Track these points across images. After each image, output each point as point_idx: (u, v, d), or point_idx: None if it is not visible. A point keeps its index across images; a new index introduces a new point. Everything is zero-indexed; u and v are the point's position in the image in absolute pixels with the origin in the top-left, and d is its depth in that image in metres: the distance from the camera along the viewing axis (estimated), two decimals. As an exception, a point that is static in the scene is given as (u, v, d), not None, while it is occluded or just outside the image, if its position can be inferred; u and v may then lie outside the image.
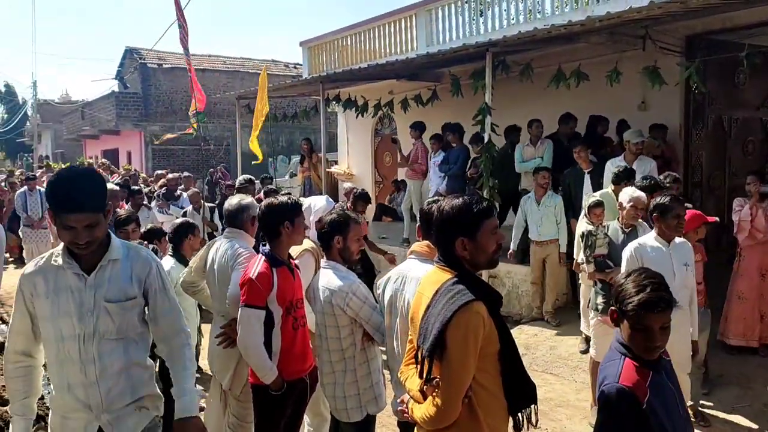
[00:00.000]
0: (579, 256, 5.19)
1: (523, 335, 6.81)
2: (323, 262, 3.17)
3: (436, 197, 3.01)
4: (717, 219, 4.89)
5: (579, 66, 6.99)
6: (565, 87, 7.12)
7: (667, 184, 5.21)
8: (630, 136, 6.48)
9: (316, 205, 4.36)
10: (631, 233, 4.80)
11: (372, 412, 3.10)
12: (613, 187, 5.60)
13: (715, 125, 8.08)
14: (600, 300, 4.81)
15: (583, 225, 5.13)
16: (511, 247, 7.12)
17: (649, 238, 4.06)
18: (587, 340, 5.79)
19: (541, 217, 6.83)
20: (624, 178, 5.48)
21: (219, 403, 3.77)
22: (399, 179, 11.54)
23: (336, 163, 14.03)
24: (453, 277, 2.22)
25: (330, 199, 4.61)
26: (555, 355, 6.22)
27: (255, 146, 9.17)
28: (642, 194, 4.65)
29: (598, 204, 5.10)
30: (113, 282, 2.34)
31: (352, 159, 13.50)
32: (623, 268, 3.99)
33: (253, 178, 7.74)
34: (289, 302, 3.11)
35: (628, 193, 4.67)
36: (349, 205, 6.28)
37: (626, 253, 4.06)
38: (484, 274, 7.39)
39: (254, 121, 9.28)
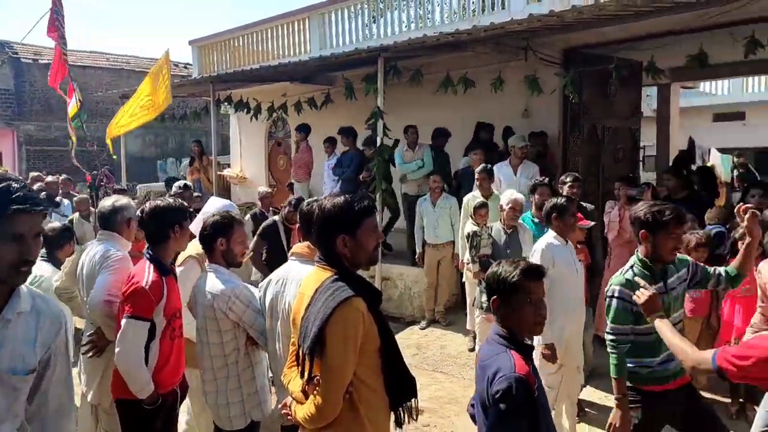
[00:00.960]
0: (464, 255, 5.36)
1: (414, 336, 6.93)
2: (206, 265, 3.05)
3: (316, 198, 2.99)
4: (592, 223, 5.20)
5: (466, 73, 7.24)
6: (454, 93, 7.35)
7: (569, 182, 5.44)
8: (515, 141, 6.79)
9: (214, 207, 4.14)
10: (512, 234, 5.03)
11: (256, 418, 3.02)
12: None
13: (590, 133, 8.61)
14: (484, 298, 4.99)
15: (468, 226, 5.30)
16: (417, 249, 7.18)
17: (550, 237, 4.19)
18: (475, 338, 5.98)
19: (436, 219, 6.96)
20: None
21: (90, 418, 3.52)
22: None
23: (228, 166, 13.66)
24: (333, 275, 2.21)
25: (232, 204, 4.40)
26: (445, 353, 6.37)
27: (120, 131, 8.62)
28: (520, 196, 4.88)
29: (483, 205, 5.29)
30: (14, 344, 1.77)
31: (245, 162, 13.21)
32: None
33: (189, 184, 6.99)
34: (172, 313, 2.98)
35: (507, 196, 4.89)
36: (286, 211, 5.91)
37: (537, 252, 4.13)
38: (377, 278, 7.46)
39: (132, 102, 8.70)
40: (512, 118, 8.31)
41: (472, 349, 6.13)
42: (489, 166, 6.39)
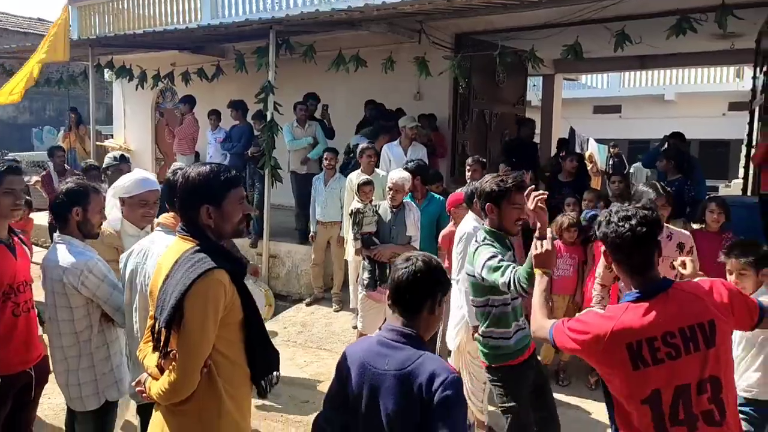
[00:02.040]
0: (348, 233, 5.39)
1: (300, 314, 6.90)
2: (56, 236, 2.84)
3: (181, 166, 2.85)
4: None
5: (358, 52, 7.22)
6: (351, 71, 7.32)
7: (470, 165, 5.63)
8: (405, 122, 6.88)
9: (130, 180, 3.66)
10: (398, 213, 5.10)
11: (112, 398, 2.87)
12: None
13: (479, 118, 8.91)
14: (366, 275, 5.04)
15: (353, 203, 5.31)
16: (311, 228, 7.08)
17: (472, 220, 4.13)
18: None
19: (326, 199, 6.92)
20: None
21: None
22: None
23: (111, 136, 12.88)
24: (194, 246, 2.13)
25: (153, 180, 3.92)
26: (329, 331, 6.40)
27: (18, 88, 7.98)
28: (402, 176, 4.95)
29: (367, 183, 5.30)
30: None
31: (130, 133, 12.50)
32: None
33: (126, 155, 6.14)
34: (7, 285, 2.75)
35: (390, 176, 4.96)
36: None
37: (465, 235, 4.02)
38: (264, 256, 7.34)
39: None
40: (405, 99, 8.42)
41: (356, 327, 6.19)
42: (373, 143, 6.45)
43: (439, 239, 5.13)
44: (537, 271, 2.55)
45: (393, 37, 7.63)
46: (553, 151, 10.35)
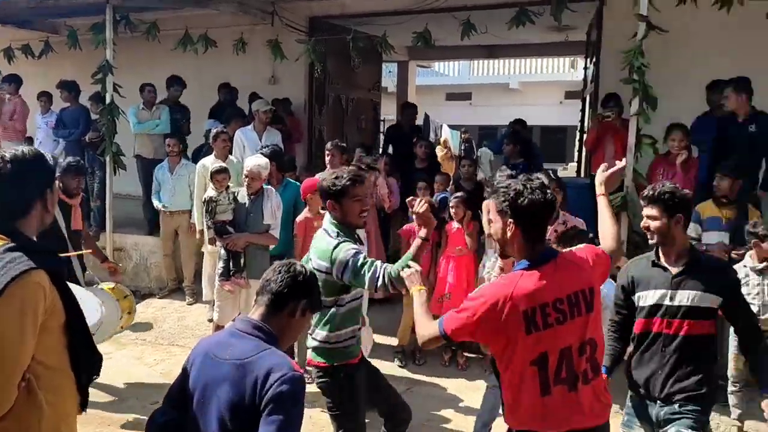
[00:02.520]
0: (200, 222, 5.14)
1: (150, 309, 6.51)
2: None
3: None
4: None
5: (206, 32, 6.87)
6: (195, 52, 6.94)
7: (329, 150, 5.60)
8: (258, 106, 6.68)
9: None
10: (256, 200, 4.94)
11: None
12: None
13: (335, 103, 8.87)
14: (221, 265, 4.84)
15: (207, 191, 5.05)
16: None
17: None
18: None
19: (173, 186, 6.55)
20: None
21: None
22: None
23: None
24: (4, 245, 1.87)
25: None
26: (183, 326, 6.10)
27: None
28: (257, 163, 4.81)
29: (220, 171, 5.07)
30: None
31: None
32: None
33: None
34: None
35: (246, 163, 4.80)
36: None
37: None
38: (109, 249, 6.82)
39: None
40: (259, 83, 8.18)
41: (212, 319, 5.95)
42: (225, 128, 6.21)
43: (295, 226, 5.04)
44: (414, 288, 2.50)
45: (245, 18, 7.36)
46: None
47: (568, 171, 13.79)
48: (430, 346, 2.34)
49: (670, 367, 2.71)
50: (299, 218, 5.00)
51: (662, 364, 2.73)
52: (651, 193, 2.74)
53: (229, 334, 2.00)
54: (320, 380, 2.97)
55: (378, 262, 2.78)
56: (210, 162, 5.71)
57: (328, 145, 5.65)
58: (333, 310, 2.89)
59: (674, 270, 2.75)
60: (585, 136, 7.21)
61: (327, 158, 5.59)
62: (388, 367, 4.98)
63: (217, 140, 5.97)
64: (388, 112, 13.44)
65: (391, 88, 13.75)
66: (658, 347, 2.76)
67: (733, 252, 4.41)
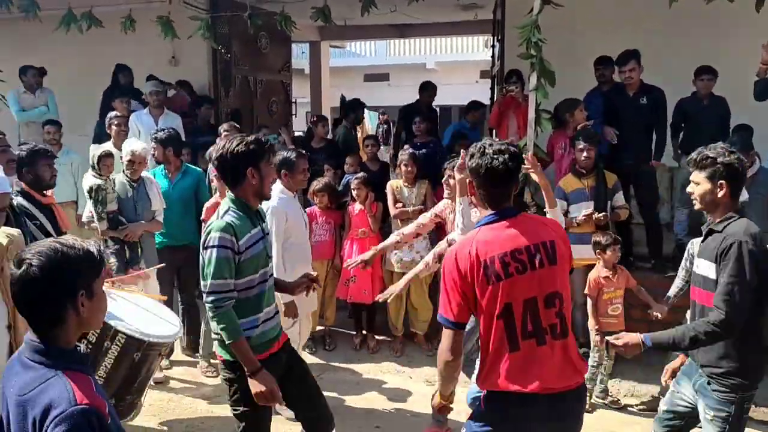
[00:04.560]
0: (85, 213, 4.83)
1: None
2: None
3: None
4: None
5: (91, 9, 6.42)
6: (80, 31, 6.47)
7: (226, 131, 5.30)
8: (149, 87, 6.35)
9: None
10: (139, 187, 4.67)
11: None
12: None
13: (243, 85, 8.56)
14: (113, 261, 4.56)
15: (90, 179, 4.72)
16: None
17: (278, 191, 3.92)
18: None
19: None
20: None
21: None
22: None
23: None
24: None
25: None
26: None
27: None
28: (144, 147, 4.55)
29: (108, 155, 4.75)
30: None
31: None
32: (274, 227, 3.77)
33: None
34: None
35: (127, 147, 4.53)
36: None
37: (271, 209, 3.80)
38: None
39: None
40: (159, 64, 7.77)
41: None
42: (118, 113, 5.87)
43: (203, 212, 4.79)
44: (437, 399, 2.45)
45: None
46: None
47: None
48: (457, 351, 2.21)
49: None
50: (209, 203, 4.75)
51: None
52: (693, 157, 2.59)
53: (17, 360, 1.64)
54: (224, 375, 2.76)
55: (230, 295, 2.55)
56: (95, 147, 5.35)
57: (224, 126, 5.39)
58: (234, 294, 2.62)
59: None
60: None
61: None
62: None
63: (112, 125, 5.63)
64: (303, 94, 13.19)
65: (308, 70, 13.48)
66: (695, 314, 2.70)
67: (595, 217, 4.53)
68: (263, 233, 2.75)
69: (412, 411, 4.36)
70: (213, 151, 2.81)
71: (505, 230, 2.16)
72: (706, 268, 2.58)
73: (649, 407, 4.19)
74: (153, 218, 4.68)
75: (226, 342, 2.56)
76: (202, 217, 4.79)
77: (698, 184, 2.57)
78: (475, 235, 2.19)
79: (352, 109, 7.10)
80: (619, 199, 4.79)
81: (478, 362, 2.26)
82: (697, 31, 6.09)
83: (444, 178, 4.02)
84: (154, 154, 5.07)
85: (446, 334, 2.20)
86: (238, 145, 2.60)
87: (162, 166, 5.13)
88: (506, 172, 2.17)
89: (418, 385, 4.74)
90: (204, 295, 2.58)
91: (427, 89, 7.26)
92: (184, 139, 5.91)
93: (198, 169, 5.42)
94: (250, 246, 2.62)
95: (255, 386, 2.55)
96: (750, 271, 2.42)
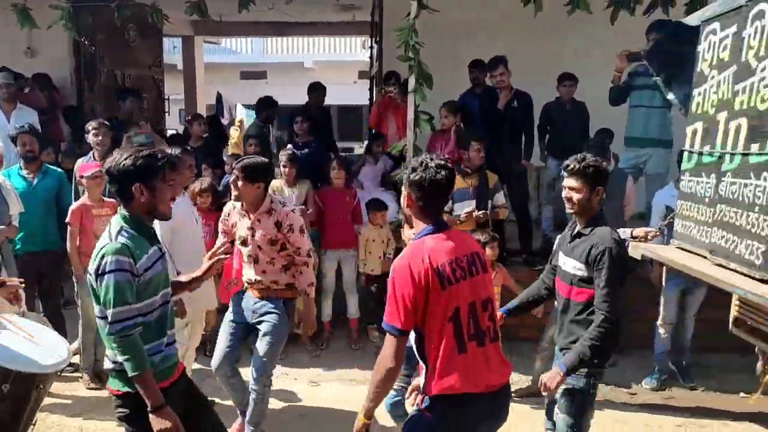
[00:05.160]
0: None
1: None
2: None
3: None
4: None
5: None
6: None
7: (95, 129, 5.01)
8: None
9: None
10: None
11: None
12: None
13: (109, 79, 8.06)
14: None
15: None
16: None
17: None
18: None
19: None
20: None
21: None
22: None
23: None
24: None
25: None
26: None
27: None
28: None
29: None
30: None
31: None
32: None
33: None
34: None
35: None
36: None
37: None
38: None
39: None
40: (14, 55, 7.17)
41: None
42: None
43: (69, 215, 4.45)
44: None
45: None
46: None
47: (363, 149, 14.13)
48: (400, 359, 2.27)
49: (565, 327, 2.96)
50: (74, 206, 4.46)
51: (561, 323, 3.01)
52: (573, 166, 2.81)
53: None
54: (119, 413, 2.49)
55: (136, 321, 2.36)
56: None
57: (93, 123, 5.03)
58: (139, 319, 2.40)
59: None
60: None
61: (93, 138, 4.97)
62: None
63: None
64: (177, 91, 12.64)
65: (181, 66, 12.92)
66: (560, 305, 3.03)
67: (475, 214, 4.76)
68: (161, 252, 2.56)
69: (298, 412, 4.33)
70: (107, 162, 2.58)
71: (445, 240, 2.32)
72: (573, 267, 2.87)
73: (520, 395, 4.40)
74: (10, 223, 4.28)
75: (131, 374, 2.33)
76: (67, 219, 4.48)
77: (578, 190, 2.81)
78: (423, 244, 2.31)
79: (264, 108, 6.91)
80: (500, 198, 5.03)
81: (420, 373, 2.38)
82: (561, 40, 6.55)
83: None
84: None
85: (390, 342, 2.26)
86: (125, 159, 2.41)
87: (18, 165, 4.73)
88: (447, 186, 2.34)
89: (302, 386, 4.72)
90: (107, 327, 2.35)
91: (317, 90, 7.15)
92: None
93: (59, 169, 5.07)
94: (149, 267, 2.43)
95: (158, 423, 2.35)
96: (620, 273, 2.78)
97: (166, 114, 9.35)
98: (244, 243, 3.70)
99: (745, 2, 2.93)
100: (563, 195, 2.90)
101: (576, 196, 2.81)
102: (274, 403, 4.46)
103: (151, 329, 2.46)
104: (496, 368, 2.35)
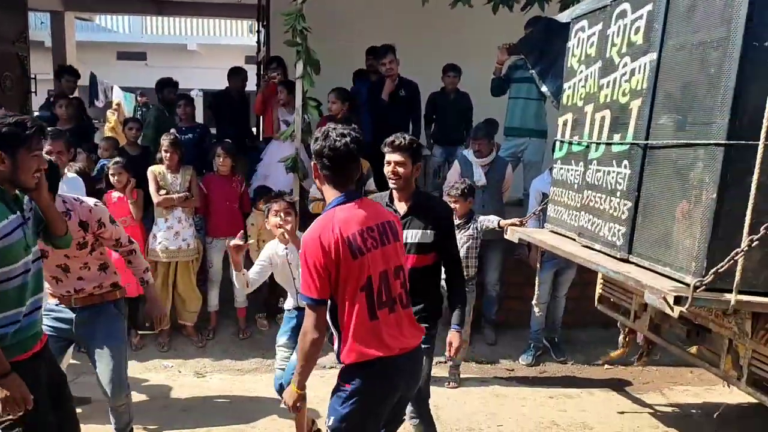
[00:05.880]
0: None
1: None
2: None
3: None
4: None
5: None
6: None
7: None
8: None
9: None
10: None
11: None
12: None
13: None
14: None
15: None
16: None
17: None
18: None
19: None
20: None
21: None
22: None
23: None
24: None
25: None
26: None
27: None
28: None
29: None
30: None
31: None
32: None
33: None
34: None
35: None
36: None
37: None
38: None
39: None
40: None
41: None
42: None
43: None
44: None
45: None
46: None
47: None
48: (322, 329, 2.30)
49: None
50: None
51: None
52: (399, 142, 2.97)
53: None
54: None
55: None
56: None
57: None
58: None
59: (402, 212, 3.04)
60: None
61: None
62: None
63: None
64: (44, 70, 11.68)
65: (49, 43, 11.94)
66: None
67: None
68: (23, 219, 2.42)
69: (182, 406, 4.20)
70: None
71: (357, 210, 2.31)
72: (416, 235, 3.02)
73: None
74: None
75: None
76: None
77: (403, 164, 2.99)
78: (333, 215, 2.29)
79: (161, 88, 6.50)
80: (371, 184, 5.07)
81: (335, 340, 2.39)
82: (446, 30, 6.73)
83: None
84: None
85: (310, 314, 2.29)
86: (17, 124, 2.28)
87: None
88: (348, 154, 2.28)
89: (187, 378, 4.60)
90: None
91: (239, 74, 6.76)
92: None
93: None
94: (7, 234, 2.29)
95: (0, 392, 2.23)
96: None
97: (33, 93, 8.61)
98: (45, 255, 2.93)
99: (610, 1, 3.18)
100: (387, 170, 3.04)
101: (401, 170, 2.98)
102: (157, 398, 4.31)
103: (8, 298, 2.34)
104: (407, 332, 2.41)
